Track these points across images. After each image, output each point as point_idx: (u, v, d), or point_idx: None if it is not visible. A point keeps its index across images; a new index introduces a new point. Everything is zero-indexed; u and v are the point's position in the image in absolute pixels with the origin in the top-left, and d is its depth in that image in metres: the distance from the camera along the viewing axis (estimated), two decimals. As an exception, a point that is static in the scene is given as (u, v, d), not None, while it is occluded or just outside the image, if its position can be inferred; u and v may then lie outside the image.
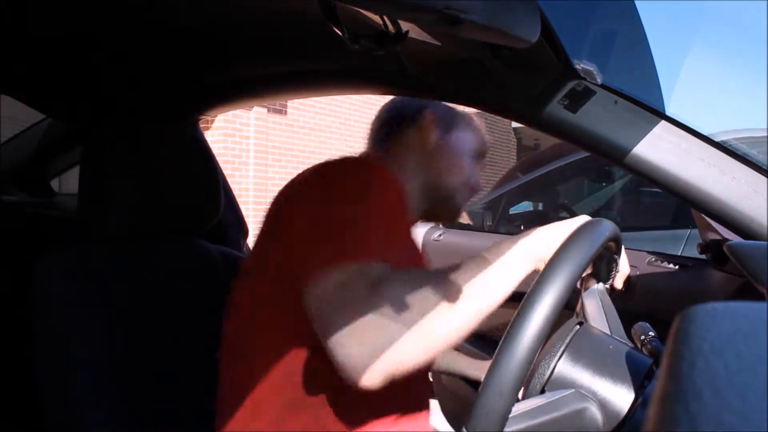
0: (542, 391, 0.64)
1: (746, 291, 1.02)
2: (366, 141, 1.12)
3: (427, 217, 1.09)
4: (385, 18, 0.69)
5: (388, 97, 1.15)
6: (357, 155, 0.97)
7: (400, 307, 0.63)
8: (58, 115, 1.43)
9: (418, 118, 1.06)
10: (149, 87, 1.22)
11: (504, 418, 0.50)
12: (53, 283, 0.84)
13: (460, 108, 1.11)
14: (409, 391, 0.91)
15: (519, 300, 0.54)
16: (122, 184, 0.91)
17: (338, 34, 0.69)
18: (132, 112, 1.21)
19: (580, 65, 0.86)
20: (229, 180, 1.52)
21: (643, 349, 0.77)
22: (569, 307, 0.90)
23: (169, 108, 1.28)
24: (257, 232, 0.89)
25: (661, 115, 0.87)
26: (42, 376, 0.84)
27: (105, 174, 0.91)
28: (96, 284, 0.85)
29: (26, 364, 0.85)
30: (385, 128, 1.10)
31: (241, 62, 1.12)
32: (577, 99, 0.87)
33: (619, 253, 0.82)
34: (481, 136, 1.13)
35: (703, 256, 1.24)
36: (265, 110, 6.60)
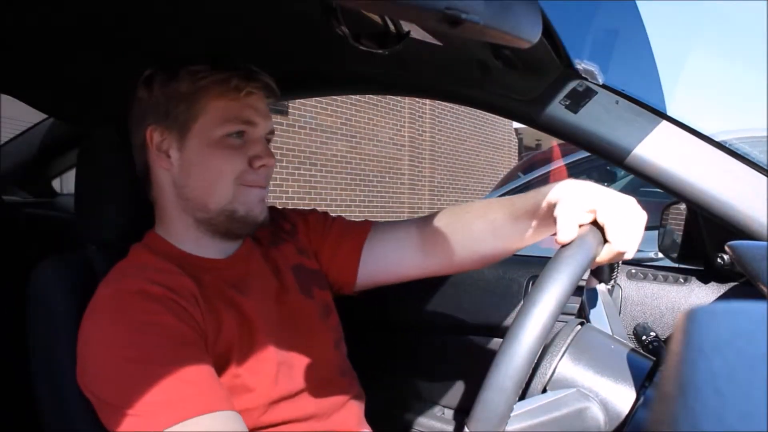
0: (544, 391, 0.64)
1: (738, 294, 1.01)
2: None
3: (229, 237, 0.86)
4: (387, 18, 0.69)
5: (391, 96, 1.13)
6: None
7: None
8: (59, 114, 1.43)
9: (143, 142, 0.83)
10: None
11: (505, 417, 0.50)
12: (51, 285, 0.84)
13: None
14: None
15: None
16: (118, 186, 0.91)
17: (340, 34, 0.69)
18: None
19: (581, 65, 0.86)
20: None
21: (644, 350, 0.77)
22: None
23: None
24: None
25: (663, 116, 0.87)
26: (38, 378, 0.84)
27: (101, 176, 0.90)
28: (94, 287, 0.85)
29: (25, 365, 0.85)
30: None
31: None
32: (579, 99, 0.87)
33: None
34: (231, 106, 0.80)
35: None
36: (266, 110, 6.57)
